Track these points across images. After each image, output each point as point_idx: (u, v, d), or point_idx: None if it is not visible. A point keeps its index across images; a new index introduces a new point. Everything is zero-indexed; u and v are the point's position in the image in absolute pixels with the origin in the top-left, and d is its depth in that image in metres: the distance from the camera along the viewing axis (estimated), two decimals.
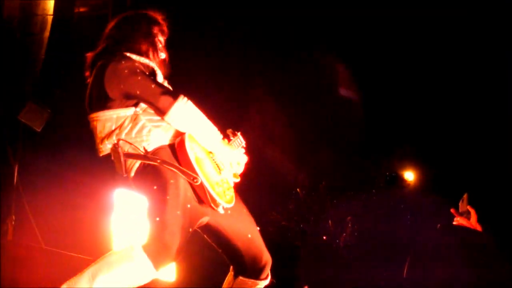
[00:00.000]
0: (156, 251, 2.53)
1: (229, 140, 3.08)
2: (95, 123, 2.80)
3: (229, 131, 3.10)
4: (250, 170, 3.16)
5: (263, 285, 3.03)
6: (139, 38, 2.94)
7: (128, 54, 2.84)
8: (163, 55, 3.04)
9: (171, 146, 2.74)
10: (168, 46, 3.16)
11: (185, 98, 2.73)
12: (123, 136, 2.71)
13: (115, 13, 6.71)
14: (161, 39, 3.04)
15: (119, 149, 2.69)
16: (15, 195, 5.80)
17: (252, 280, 2.97)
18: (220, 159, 2.89)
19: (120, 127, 2.72)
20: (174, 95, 2.71)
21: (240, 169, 3.04)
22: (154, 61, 2.98)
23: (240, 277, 2.98)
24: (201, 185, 2.65)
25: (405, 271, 2.33)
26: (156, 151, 2.70)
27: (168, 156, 2.69)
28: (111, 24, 3.02)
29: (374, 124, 15.55)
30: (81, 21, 6.72)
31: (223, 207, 2.77)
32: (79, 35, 6.52)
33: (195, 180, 2.63)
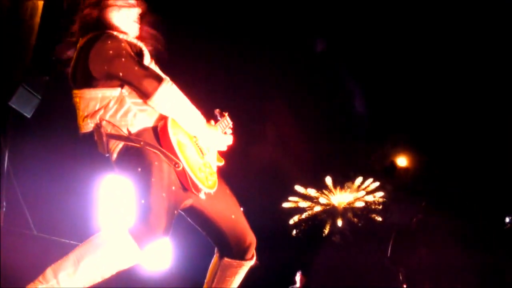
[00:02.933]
0: (142, 234, 2.51)
1: (216, 120, 3.07)
2: (77, 99, 2.77)
3: (216, 111, 3.08)
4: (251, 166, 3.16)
5: (249, 266, 3.02)
6: (103, 16, 2.90)
7: (115, 33, 2.80)
8: (133, 27, 2.94)
9: (155, 129, 2.71)
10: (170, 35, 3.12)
11: (170, 82, 2.69)
12: (107, 117, 2.68)
13: None
14: (129, 12, 2.93)
15: (102, 130, 2.67)
16: (5, 181, 5.77)
17: (238, 261, 2.97)
18: (203, 143, 2.87)
19: (105, 107, 2.69)
20: (158, 79, 2.67)
21: (223, 148, 3.04)
22: (141, 40, 2.95)
23: (226, 259, 2.97)
24: (183, 171, 2.64)
25: (389, 251, 2.33)
26: (139, 133, 2.67)
27: (151, 138, 2.67)
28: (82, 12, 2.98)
29: (367, 112, 15.55)
30: (71, 7, 6.66)
31: (204, 193, 2.76)
32: (70, 21, 6.46)
33: (177, 166, 2.61)
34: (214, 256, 3.04)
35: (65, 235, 5.68)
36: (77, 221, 6.05)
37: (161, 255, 7.15)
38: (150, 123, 2.72)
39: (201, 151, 2.84)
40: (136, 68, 2.67)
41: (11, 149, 5.92)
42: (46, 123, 6.29)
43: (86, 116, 2.72)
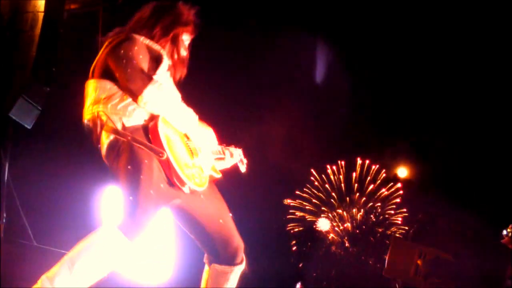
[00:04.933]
0: (129, 229, 2.58)
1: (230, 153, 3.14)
2: (90, 87, 2.85)
3: (231, 147, 3.15)
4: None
5: (239, 271, 3.04)
6: (158, 32, 2.98)
7: (136, 36, 2.88)
8: (182, 54, 3.07)
9: (147, 127, 2.76)
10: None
11: (157, 83, 2.74)
12: (109, 106, 2.75)
13: (105, 11, 6.73)
14: (184, 38, 3.07)
15: (98, 120, 2.75)
16: (5, 192, 5.77)
17: (226, 266, 2.99)
18: (194, 144, 2.91)
19: (109, 97, 2.76)
20: (148, 78, 2.74)
21: (227, 166, 3.13)
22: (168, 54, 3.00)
23: (214, 265, 3.00)
24: (167, 162, 2.67)
25: (386, 261, 2.35)
26: (132, 128, 2.73)
27: (140, 135, 2.72)
28: (143, 10, 3.07)
29: (366, 121, 15.55)
30: (71, 18, 6.71)
31: (189, 188, 2.78)
32: (70, 32, 6.51)
33: (160, 155, 2.65)
34: (205, 265, 3.06)
35: (65, 246, 5.66)
36: (77, 232, 6.01)
37: (161, 269, 7.14)
38: (146, 120, 2.78)
39: (191, 152, 2.87)
40: (129, 70, 2.76)
41: (11, 160, 5.93)
42: (46, 134, 6.30)
43: (91, 103, 2.80)
